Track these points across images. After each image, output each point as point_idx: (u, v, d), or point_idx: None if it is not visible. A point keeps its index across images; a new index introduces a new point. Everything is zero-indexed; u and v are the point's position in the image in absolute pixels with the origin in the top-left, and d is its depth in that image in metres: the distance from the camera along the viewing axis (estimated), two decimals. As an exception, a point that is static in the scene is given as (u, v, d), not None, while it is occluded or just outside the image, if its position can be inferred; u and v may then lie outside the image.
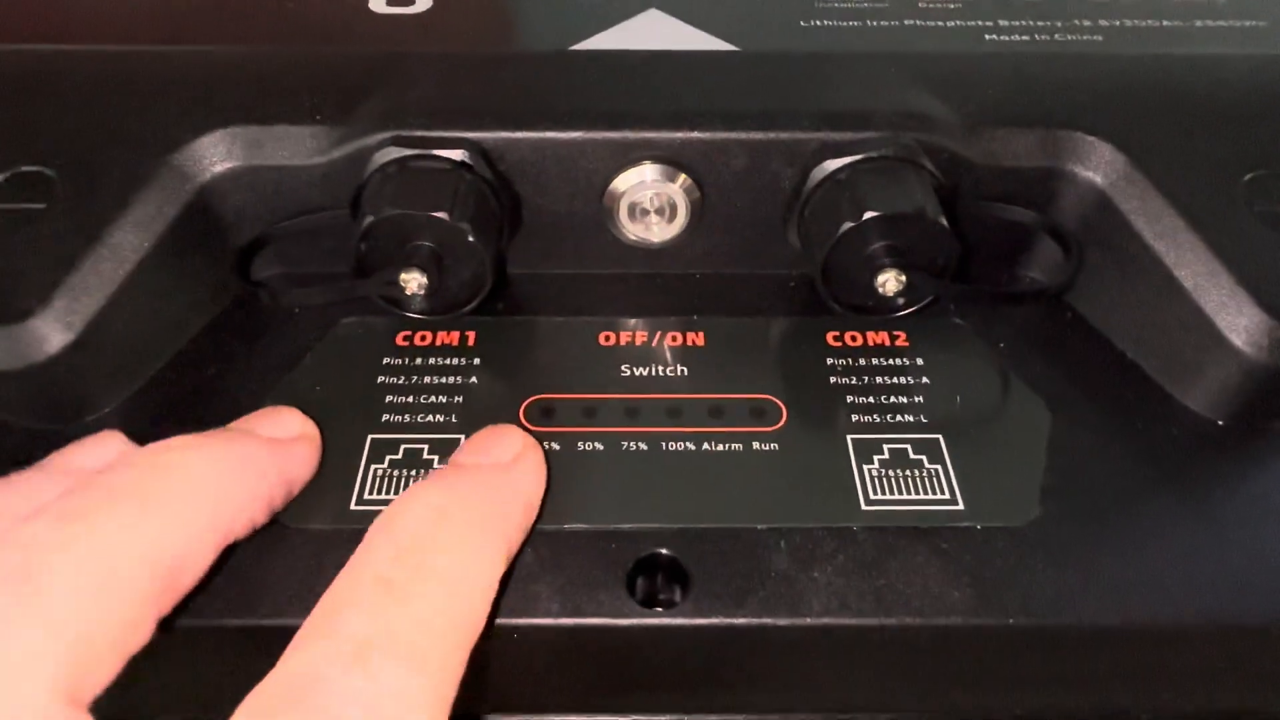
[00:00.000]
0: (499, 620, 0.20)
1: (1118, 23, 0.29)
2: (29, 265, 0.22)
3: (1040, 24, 0.29)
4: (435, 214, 0.22)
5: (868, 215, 0.23)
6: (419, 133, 0.24)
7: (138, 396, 0.24)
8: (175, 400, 0.24)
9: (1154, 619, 0.20)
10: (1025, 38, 0.28)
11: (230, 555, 0.20)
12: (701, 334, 0.25)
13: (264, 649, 0.20)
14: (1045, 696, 0.22)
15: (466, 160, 0.24)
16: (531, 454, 0.21)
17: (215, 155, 0.24)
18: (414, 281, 0.23)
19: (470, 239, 0.23)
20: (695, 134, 0.24)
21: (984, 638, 0.20)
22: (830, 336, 0.25)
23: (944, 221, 0.23)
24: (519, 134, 0.24)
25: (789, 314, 0.26)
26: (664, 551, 0.21)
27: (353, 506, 0.21)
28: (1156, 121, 0.25)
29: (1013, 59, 0.27)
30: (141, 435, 0.23)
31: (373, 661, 0.16)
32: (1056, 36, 0.28)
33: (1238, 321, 0.22)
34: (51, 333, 0.22)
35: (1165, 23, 0.29)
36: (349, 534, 0.21)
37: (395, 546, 0.17)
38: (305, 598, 0.20)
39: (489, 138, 0.24)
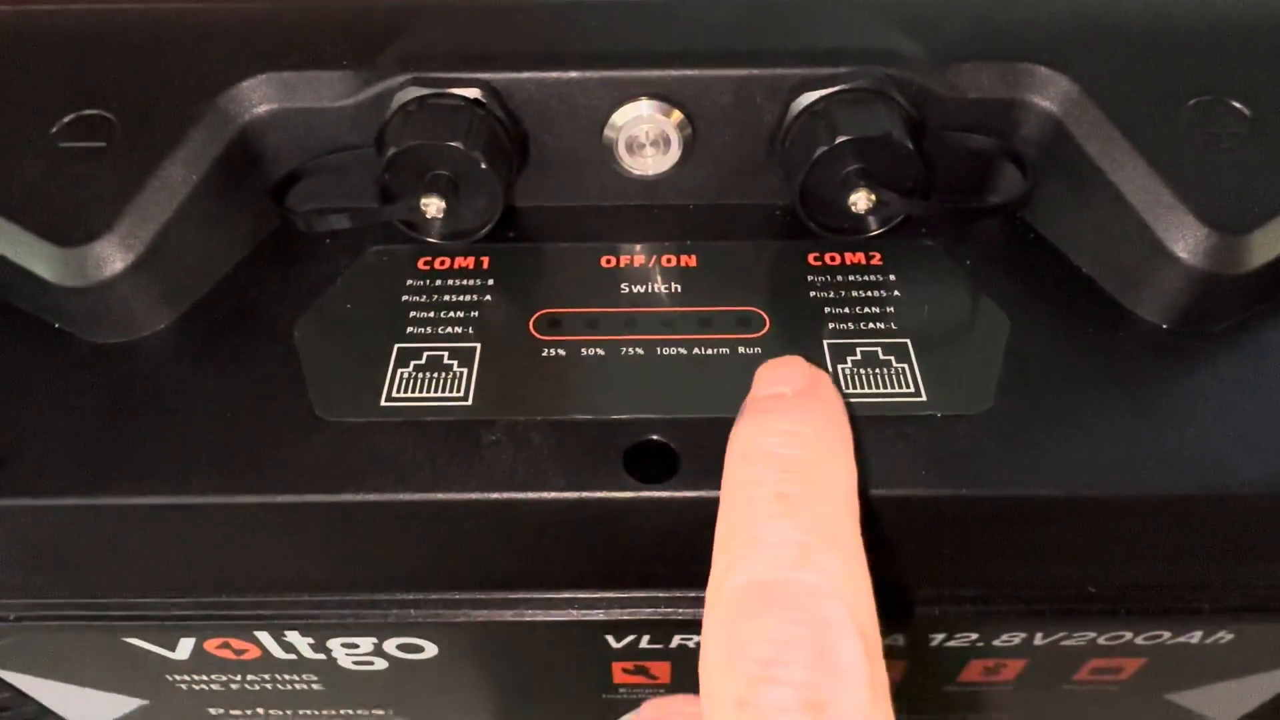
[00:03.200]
0: (512, 495, 0.22)
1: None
2: (93, 196, 0.25)
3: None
4: (451, 143, 0.25)
5: (840, 139, 0.25)
6: (436, 74, 0.27)
7: (189, 315, 0.26)
8: (222, 319, 0.26)
9: (1093, 490, 0.22)
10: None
11: (270, 442, 0.23)
12: (694, 256, 0.28)
13: (301, 524, 0.23)
14: (997, 568, 0.24)
15: (479, 98, 0.26)
16: (823, 377, 0.22)
17: (255, 98, 0.27)
18: (433, 206, 0.26)
19: (483, 166, 0.25)
20: (686, 71, 0.27)
21: (939, 508, 0.22)
22: (811, 257, 0.28)
23: (910, 144, 0.25)
24: (526, 74, 0.27)
25: (774, 238, 0.28)
26: (656, 438, 0.23)
27: (382, 403, 0.24)
28: (1109, 54, 0.27)
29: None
30: (192, 349, 0.26)
31: (814, 557, 0.18)
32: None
33: (1178, 232, 0.24)
34: (114, 254, 0.25)
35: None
36: (378, 425, 0.24)
37: (776, 469, 0.19)
38: (342, 478, 0.23)
39: (500, 78, 0.27)
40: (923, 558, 0.24)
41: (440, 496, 0.22)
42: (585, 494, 0.22)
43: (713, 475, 0.22)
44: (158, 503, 0.23)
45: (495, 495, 0.22)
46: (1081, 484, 0.22)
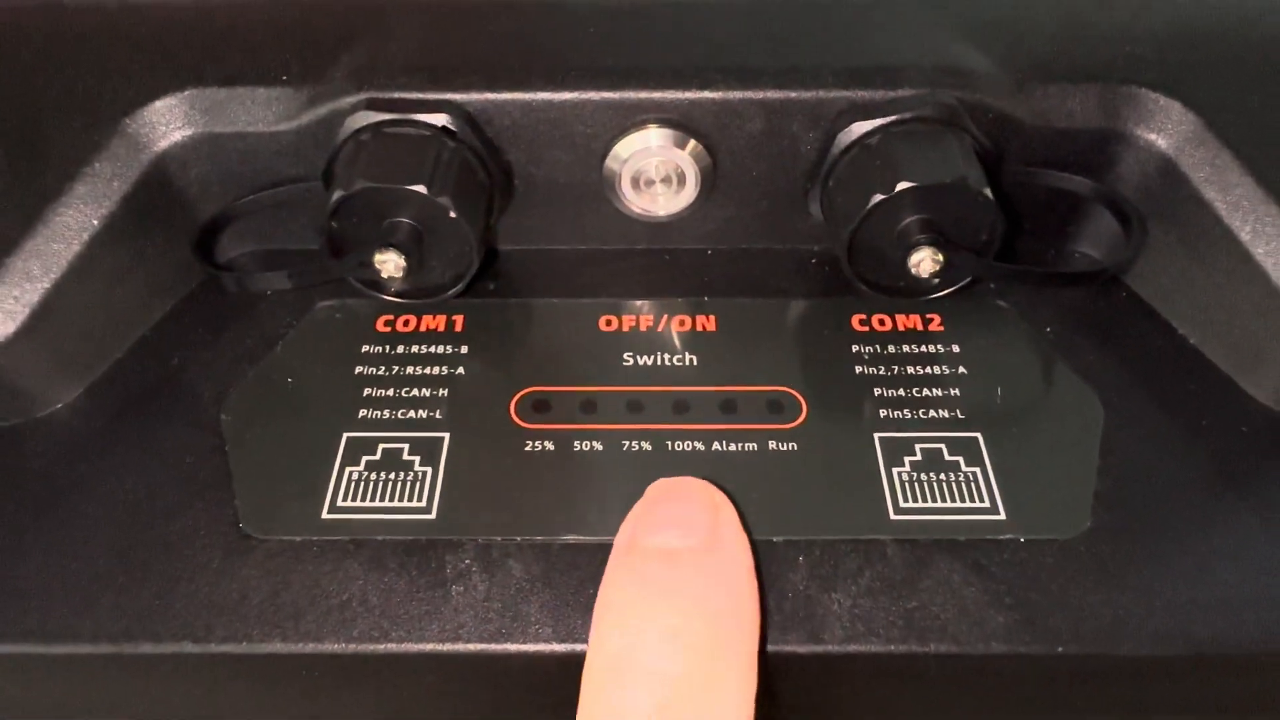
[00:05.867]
0: (485, 647, 0.18)
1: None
2: None
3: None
4: (412, 187, 0.20)
5: (901, 186, 0.20)
6: (396, 94, 0.21)
7: (94, 390, 0.22)
8: (134, 394, 0.22)
9: (1223, 646, 0.18)
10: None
11: (184, 569, 0.19)
12: (713, 317, 0.23)
13: (224, 675, 0.18)
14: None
15: (449, 125, 0.21)
16: (727, 513, 0.18)
17: (172, 121, 0.22)
18: (391, 263, 0.21)
19: (453, 215, 0.20)
20: (706, 93, 0.21)
21: (1029, 667, 0.18)
22: (856, 320, 0.23)
23: (988, 193, 0.20)
24: (508, 95, 0.22)
25: (810, 295, 0.23)
26: (669, 568, 0.19)
27: (324, 515, 0.19)
28: (1232, 75, 0.22)
29: (1067, 2, 0.24)
30: (94, 436, 0.21)
31: None
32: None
33: (1323, 306, 0.20)
34: None
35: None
36: (318, 545, 0.19)
37: (650, 701, 0.14)
38: (269, 618, 0.18)
39: (474, 99, 0.22)
40: (993, 717, 0.20)
41: (393, 649, 0.18)
42: (578, 646, 0.18)
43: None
44: (33, 653, 0.18)
45: (462, 647, 0.18)
46: (1211, 637, 0.18)
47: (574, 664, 0.18)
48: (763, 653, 0.17)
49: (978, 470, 0.20)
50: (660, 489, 0.18)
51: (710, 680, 0.15)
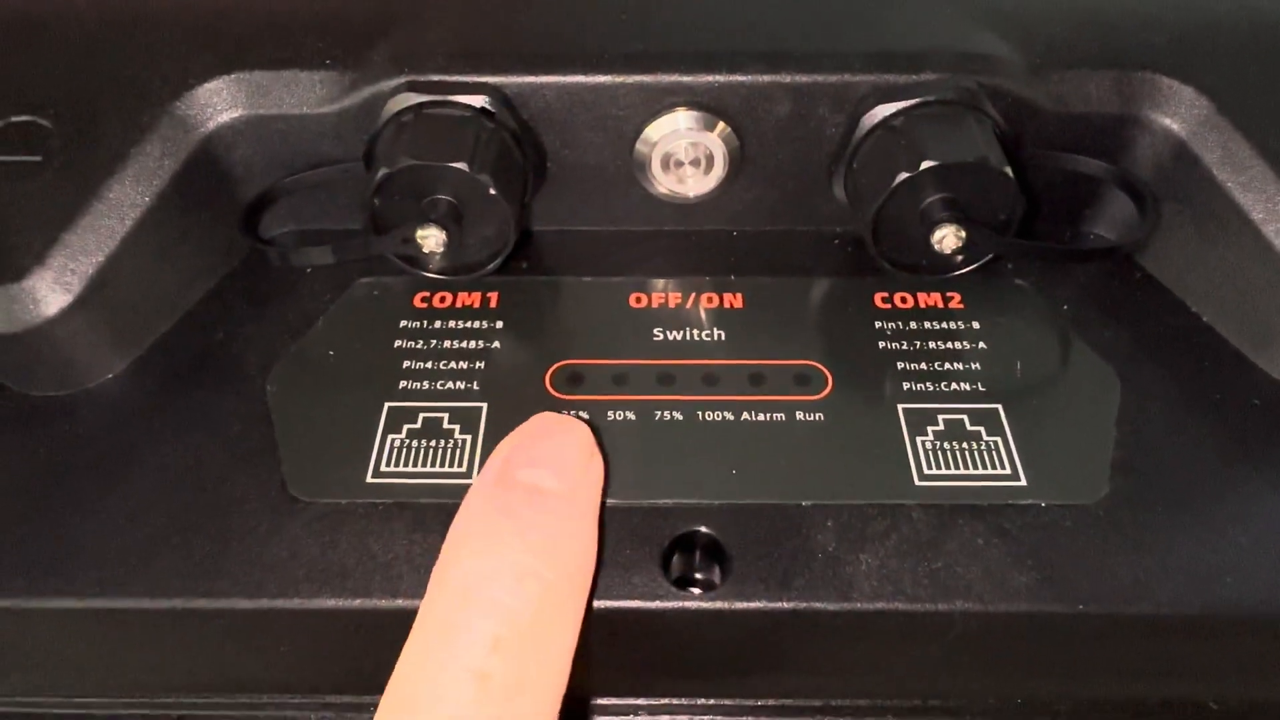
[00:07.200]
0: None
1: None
2: (24, 223, 0.21)
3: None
4: (454, 165, 0.21)
5: (925, 165, 0.21)
6: (436, 77, 0.22)
7: (142, 361, 0.22)
8: (182, 366, 0.22)
9: (1237, 607, 0.18)
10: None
11: (234, 530, 0.19)
12: (739, 295, 0.24)
13: (272, 630, 0.19)
14: (1114, 685, 0.20)
15: (488, 107, 0.22)
16: (595, 467, 0.18)
17: (220, 103, 0.23)
18: (432, 238, 0.21)
19: (492, 191, 0.21)
20: (734, 77, 0.22)
21: (1050, 626, 0.18)
22: (879, 298, 0.23)
23: (1008, 172, 0.21)
24: (544, 78, 0.22)
25: (833, 274, 0.24)
26: (702, 529, 0.19)
27: (368, 479, 0.20)
28: (1244, 62, 0.23)
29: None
30: (144, 405, 0.22)
31: None
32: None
33: (1332, 282, 0.20)
34: (49, 293, 0.21)
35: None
36: (364, 508, 0.20)
37: (490, 630, 0.15)
38: (317, 576, 0.19)
39: (512, 82, 0.22)
40: (1013, 677, 0.20)
41: (438, 604, 0.18)
42: (614, 603, 0.18)
43: (774, 580, 0.18)
44: (94, 606, 0.19)
45: None
46: (1225, 598, 0.18)
47: (616, 620, 0.19)
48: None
49: (999, 439, 0.21)
50: (544, 423, 0.18)
51: (549, 626, 0.16)
